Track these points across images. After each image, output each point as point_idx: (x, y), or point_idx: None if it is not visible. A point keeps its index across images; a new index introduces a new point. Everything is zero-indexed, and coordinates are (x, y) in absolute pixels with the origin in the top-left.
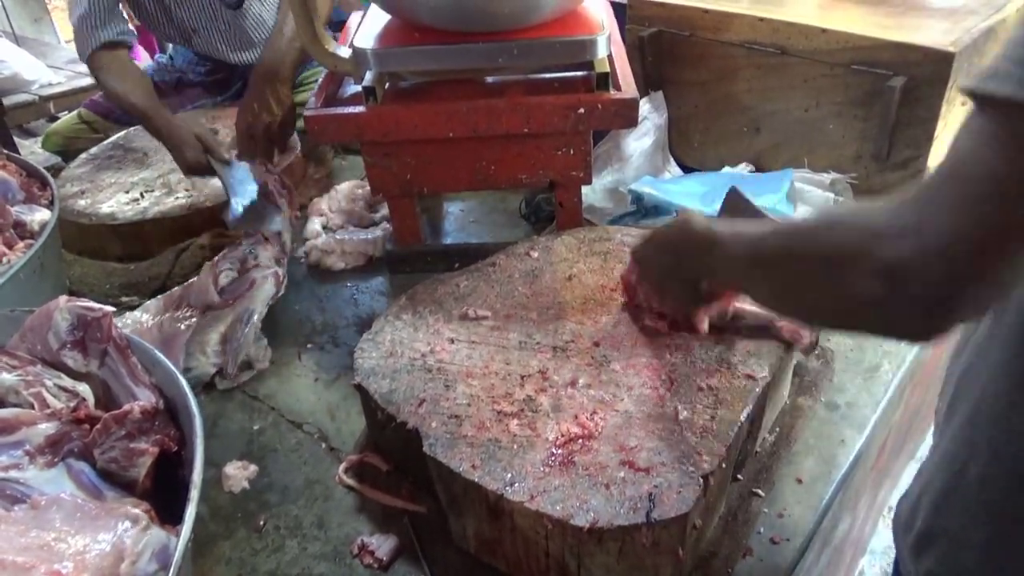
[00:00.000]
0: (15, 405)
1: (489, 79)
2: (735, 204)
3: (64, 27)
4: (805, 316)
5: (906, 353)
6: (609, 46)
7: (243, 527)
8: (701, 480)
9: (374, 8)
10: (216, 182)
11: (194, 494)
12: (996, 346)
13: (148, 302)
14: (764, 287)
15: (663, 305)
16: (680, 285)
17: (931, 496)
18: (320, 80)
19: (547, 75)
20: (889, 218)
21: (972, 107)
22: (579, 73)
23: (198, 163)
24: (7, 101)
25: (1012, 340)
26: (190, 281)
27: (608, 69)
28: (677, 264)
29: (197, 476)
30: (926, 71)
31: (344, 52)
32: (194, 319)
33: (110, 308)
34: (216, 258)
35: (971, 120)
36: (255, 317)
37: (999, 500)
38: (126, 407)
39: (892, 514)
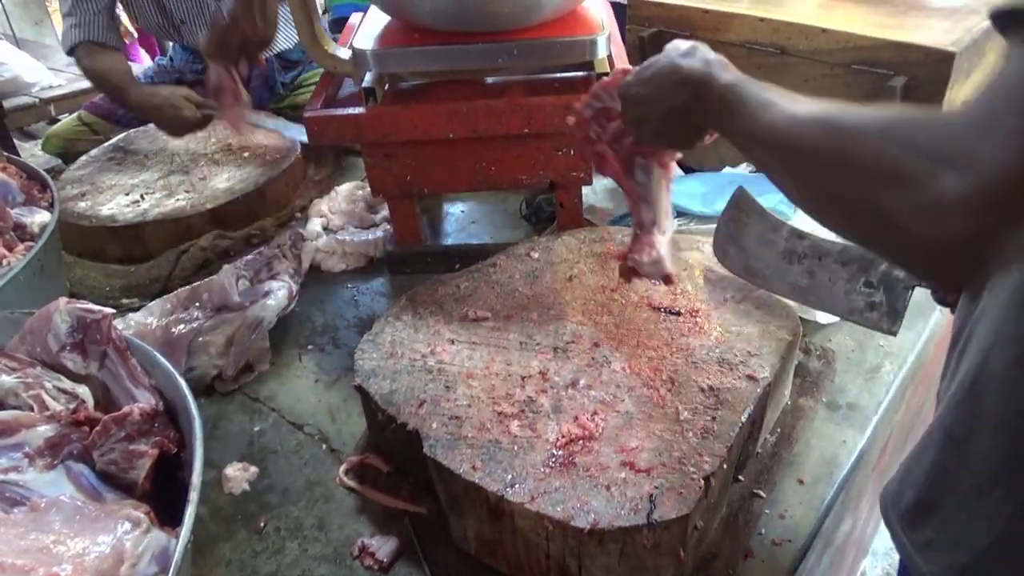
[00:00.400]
0: (15, 407)
1: (489, 80)
2: (741, 204)
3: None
4: (826, 219)
5: (907, 354)
6: (609, 46)
7: (243, 529)
8: (702, 481)
9: (374, 9)
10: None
11: (193, 496)
12: (1003, 317)
13: (152, 303)
14: (788, 175)
15: (647, 142)
16: (680, 130)
17: (924, 468)
18: (320, 81)
19: (547, 75)
20: (946, 144)
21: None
22: (579, 73)
23: (193, 117)
24: (8, 104)
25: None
26: (196, 283)
27: (608, 69)
28: (684, 114)
29: (196, 478)
30: (927, 71)
31: (344, 53)
32: (199, 321)
33: (109, 310)
34: (236, 263)
35: (1013, 50)
36: (264, 324)
37: (1007, 471)
38: (125, 409)
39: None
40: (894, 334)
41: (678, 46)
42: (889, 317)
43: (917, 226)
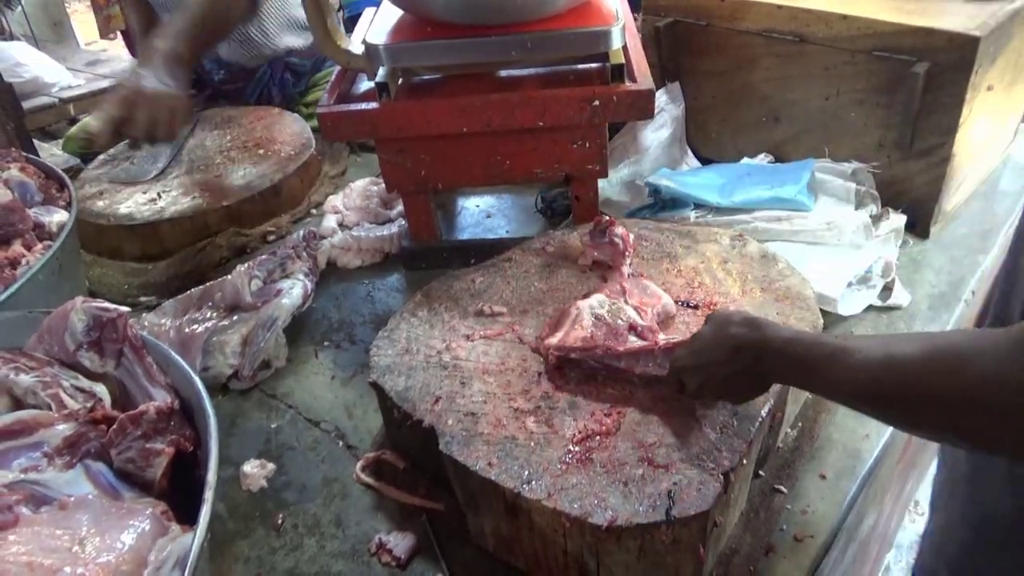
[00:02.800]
0: (33, 406)
1: (503, 73)
2: None
3: (83, 30)
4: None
5: None
6: (624, 37)
7: (261, 526)
8: (721, 477)
9: (386, 3)
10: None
11: (208, 495)
12: None
13: (165, 303)
14: (879, 416)
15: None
16: (744, 390)
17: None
18: (333, 77)
19: (561, 67)
20: (1015, 367)
21: None
22: (594, 65)
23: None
24: (28, 104)
25: None
26: (210, 283)
27: (623, 60)
28: (747, 375)
29: (212, 476)
30: (951, 57)
31: (357, 48)
32: (213, 320)
33: (125, 308)
34: (249, 263)
35: None
36: (278, 323)
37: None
38: (142, 407)
39: (917, 508)
40: None
41: (718, 317)
42: None
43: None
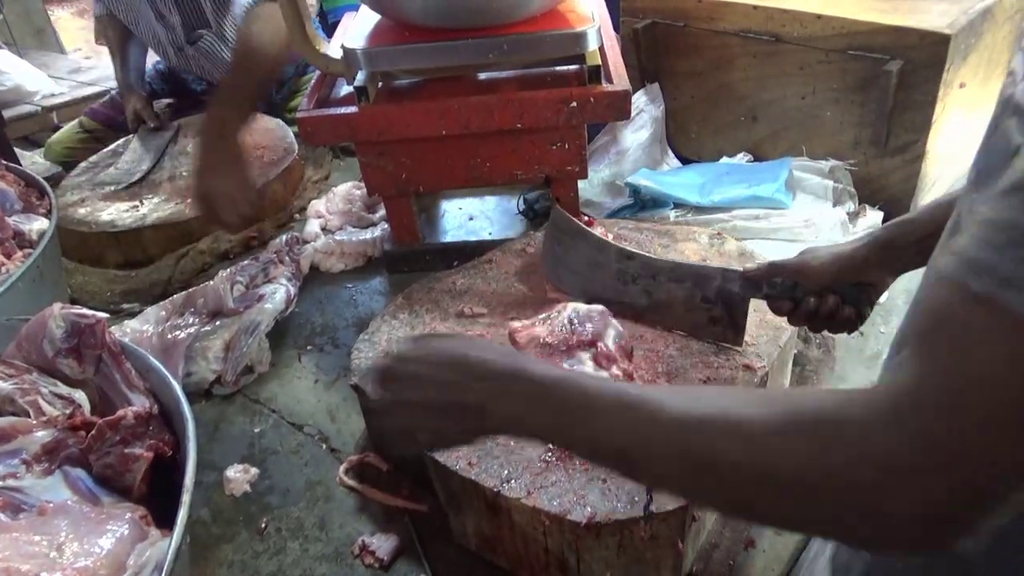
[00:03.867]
0: (11, 414)
1: (481, 75)
2: (560, 225)
3: (66, 37)
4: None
5: None
6: (600, 38)
7: (245, 530)
8: None
9: (364, 8)
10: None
11: (185, 498)
12: None
13: (148, 310)
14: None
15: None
16: (459, 421)
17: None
18: (312, 82)
19: (539, 69)
20: (886, 439)
21: (980, 308)
22: (571, 67)
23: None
24: (9, 113)
25: None
26: (192, 289)
27: (599, 62)
28: (463, 399)
29: (189, 480)
30: (923, 54)
31: (335, 52)
32: (195, 326)
33: (103, 315)
34: (232, 268)
35: (980, 321)
36: (261, 328)
37: None
38: (120, 412)
39: None
40: (739, 345)
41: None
42: (732, 329)
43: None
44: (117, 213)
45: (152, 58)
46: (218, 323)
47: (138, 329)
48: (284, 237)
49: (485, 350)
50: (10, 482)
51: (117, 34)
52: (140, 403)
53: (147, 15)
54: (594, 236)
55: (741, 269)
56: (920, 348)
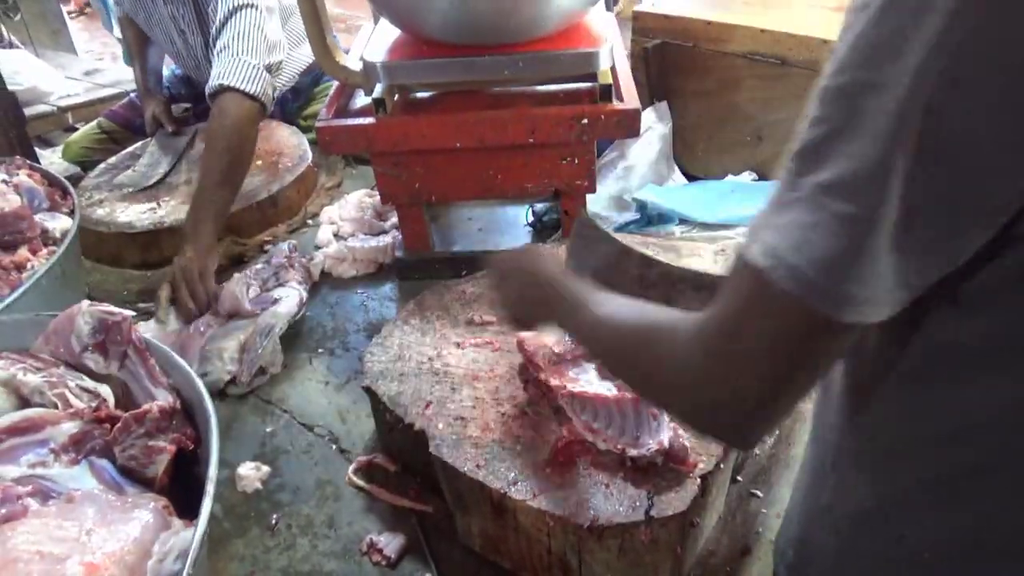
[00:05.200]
0: (40, 405)
1: (495, 90)
2: (585, 232)
3: (82, 39)
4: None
5: None
6: (612, 58)
7: (256, 526)
8: (699, 480)
9: (383, 22)
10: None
11: (210, 488)
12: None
13: (167, 309)
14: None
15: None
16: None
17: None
18: (331, 92)
19: (552, 86)
20: (689, 355)
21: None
22: (583, 84)
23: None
24: (26, 112)
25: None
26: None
27: (611, 81)
28: (524, 296)
29: (213, 470)
30: None
31: (355, 65)
32: (211, 327)
33: (130, 312)
34: (245, 272)
35: (748, 271)
36: (275, 331)
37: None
38: (145, 407)
39: None
40: None
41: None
42: None
43: (689, 416)
44: (135, 214)
45: (170, 62)
46: (233, 325)
47: (154, 328)
48: (285, 245)
49: (545, 265)
50: (39, 470)
51: (136, 37)
52: (164, 398)
53: (167, 28)
54: (619, 242)
55: None
56: (724, 286)
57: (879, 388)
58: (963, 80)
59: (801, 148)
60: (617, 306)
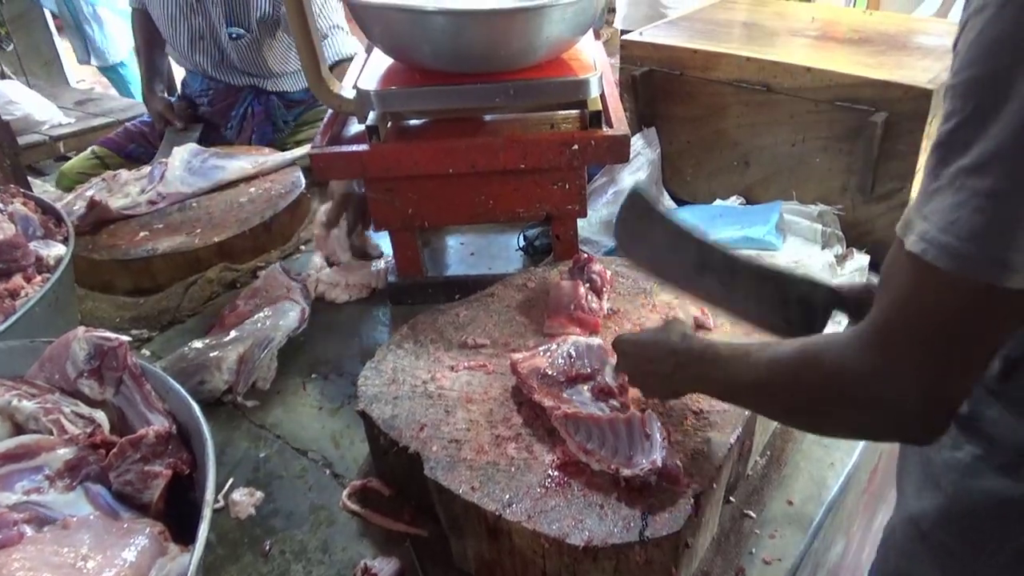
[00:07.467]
0: (35, 431)
1: (487, 118)
2: (639, 206)
3: (73, 69)
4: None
5: None
6: (601, 86)
7: (249, 552)
8: (693, 500)
9: (376, 51)
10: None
11: (207, 512)
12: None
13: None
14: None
15: (641, 390)
16: (659, 384)
17: None
18: (325, 120)
19: (542, 113)
20: (860, 363)
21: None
22: (573, 111)
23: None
24: (19, 142)
25: None
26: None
27: (600, 107)
28: (655, 371)
29: (210, 495)
30: (906, 107)
31: (348, 93)
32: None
33: (125, 338)
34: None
35: (905, 262)
36: (274, 344)
37: None
38: (141, 431)
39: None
40: None
41: (670, 324)
42: (805, 334)
43: (869, 424)
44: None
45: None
46: (232, 336)
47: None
48: (277, 265)
49: (671, 337)
50: (35, 497)
51: (145, 33)
52: (159, 423)
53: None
54: (676, 224)
55: (831, 282)
56: (880, 291)
57: None
58: None
59: (938, 141)
60: (759, 347)
